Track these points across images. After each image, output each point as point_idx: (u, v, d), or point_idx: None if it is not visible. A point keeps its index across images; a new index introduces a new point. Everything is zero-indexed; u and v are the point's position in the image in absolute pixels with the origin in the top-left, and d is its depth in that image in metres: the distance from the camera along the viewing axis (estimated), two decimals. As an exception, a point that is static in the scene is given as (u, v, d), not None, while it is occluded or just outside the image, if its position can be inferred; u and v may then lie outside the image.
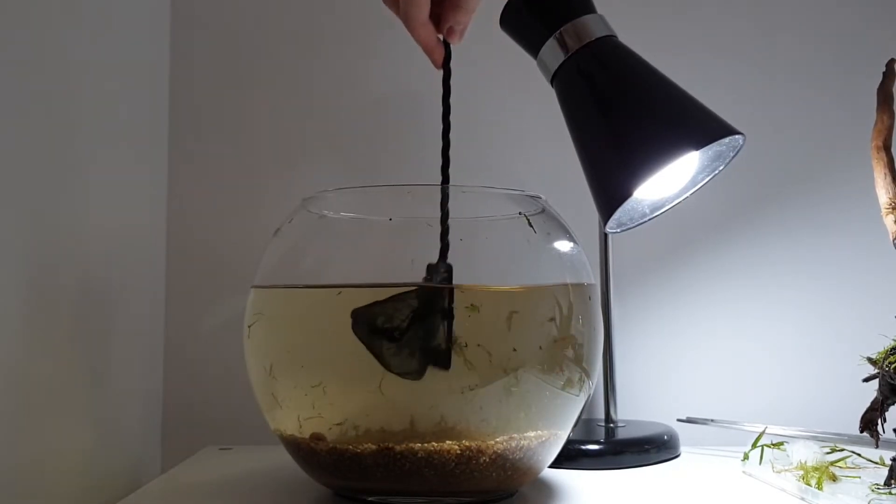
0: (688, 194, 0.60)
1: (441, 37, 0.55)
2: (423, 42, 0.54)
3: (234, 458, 0.68)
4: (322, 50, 0.83)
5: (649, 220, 0.61)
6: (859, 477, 0.56)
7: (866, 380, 0.54)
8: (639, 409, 0.79)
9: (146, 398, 0.75)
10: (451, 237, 0.51)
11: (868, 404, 0.54)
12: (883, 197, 0.56)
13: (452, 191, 0.54)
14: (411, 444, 0.47)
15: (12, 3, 0.49)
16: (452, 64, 0.55)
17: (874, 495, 0.50)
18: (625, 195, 0.54)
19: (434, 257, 0.51)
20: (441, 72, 0.55)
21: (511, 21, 0.61)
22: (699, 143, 0.54)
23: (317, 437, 0.49)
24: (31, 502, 0.51)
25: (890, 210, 0.55)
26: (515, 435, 0.49)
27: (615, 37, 0.59)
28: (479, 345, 0.47)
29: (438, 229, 0.51)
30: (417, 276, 0.50)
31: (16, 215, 0.50)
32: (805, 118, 0.82)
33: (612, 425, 0.72)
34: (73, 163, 0.58)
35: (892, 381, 0.51)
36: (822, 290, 0.80)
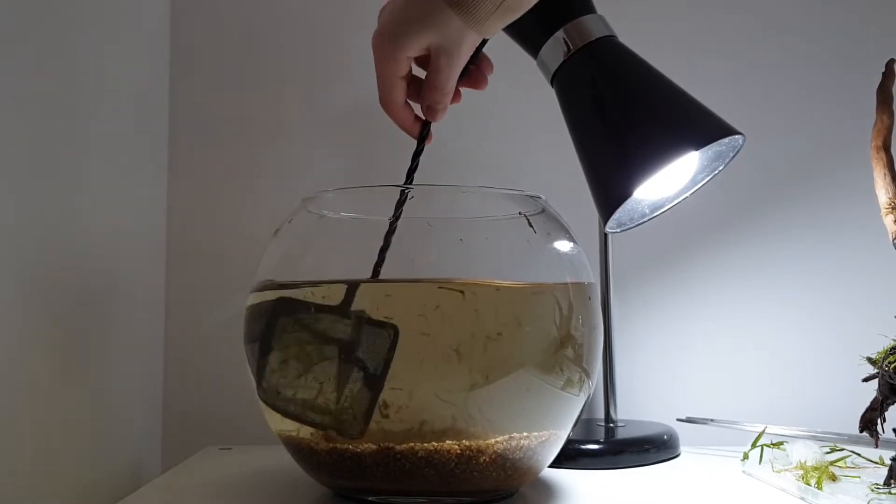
0: (688, 194, 0.60)
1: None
2: (399, 123, 0.54)
3: (234, 458, 0.68)
4: (322, 49, 0.83)
5: (649, 220, 0.61)
6: (859, 477, 0.56)
7: (866, 380, 0.54)
8: (639, 409, 0.79)
9: (146, 398, 0.75)
10: (451, 237, 0.51)
11: (868, 404, 0.54)
12: (883, 197, 0.56)
13: (452, 191, 0.55)
14: (411, 444, 0.47)
15: (12, 3, 0.49)
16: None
17: (874, 495, 0.50)
18: (625, 195, 0.54)
19: (432, 257, 0.51)
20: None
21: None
22: (699, 143, 0.54)
23: (328, 435, 0.49)
24: (31, 502, 0.51)
25: (890, 210, 0.55)
26: (515, 435, 0.49)
27: (615, 37, 0.59)
28: (480, 344, 0.47)
29: (438, 229, 0.51)
30: (417, 276, 0.50)
31: (16, 215, 0.50)
32: (805, 118, 0.82)
33: (612, 425, 0.72)
34: (73, 162, 0.58)
35: (892, 381, 0.51)
36: (821, 290, 0.80)
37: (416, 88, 0.54)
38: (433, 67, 0.51)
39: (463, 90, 0.56)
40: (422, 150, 0.55)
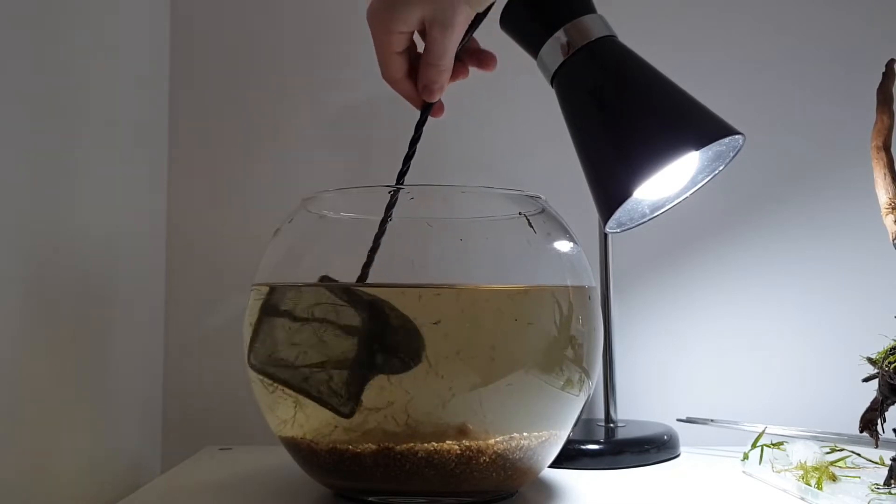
0: (688, 194, 0.60)
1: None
2: (405, 96, 0.54)
3: (234, 458, 0.68)
4: (321, 50, 0.83)
5: (649, 220, 0.61)
6: (859, 477, 0.56)
7: (866, 380, 0.54)
8: (639, 409, 0.79)
9: (146, 398, 0.75)
10: (450, 237, 0.51)
11: (868, 404, 0.54)
12: (883, 197, 0.56)
13: (452, 191, 0.55)
14: (411, 444, 0.47)
15: (12, 3, 0.49)
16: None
17: (874, 495, 0.50)
18: (625, 195, 0.54)
19: (433, 258, 0.51)
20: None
21: (511, 21, 0.61)
22: (699, 143, 0.54)
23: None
24: (31, 502, 0.51)
25: (890, 210, 0.55)
26: (515, 435, 0.49)
27: (615, 37, 0.59)
28: (479, 345, 0.47)
29: (438, 229, 0.51)
30: (417, 276, 0.50)
31: (15, 215, 0.50)
32: (805, 118, 0.82)
33: (612, 425, 0.72)
34: (73, 162, 0.58)
35: (892, 381, 0.51)
36: (821, 291, 0.80)
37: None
38: (428, 41, 0.50)
39: (472, 70, 0.55)
40: (419, 136, 0.53)
